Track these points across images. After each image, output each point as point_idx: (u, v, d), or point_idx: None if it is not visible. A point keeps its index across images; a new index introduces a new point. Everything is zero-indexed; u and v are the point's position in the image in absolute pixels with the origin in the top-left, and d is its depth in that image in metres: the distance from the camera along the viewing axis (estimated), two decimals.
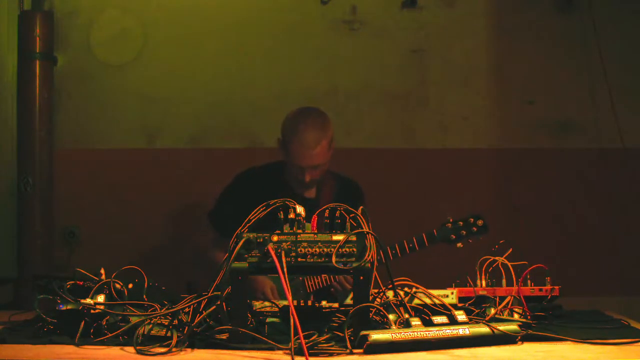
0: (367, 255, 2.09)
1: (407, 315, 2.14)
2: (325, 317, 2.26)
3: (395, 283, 2.29)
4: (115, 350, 2.07)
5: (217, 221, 3.41)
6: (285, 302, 2.33)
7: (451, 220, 3.13)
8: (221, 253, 3.28)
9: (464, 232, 3.12)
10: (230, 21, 4.40)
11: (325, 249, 2.11)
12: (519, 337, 2.14)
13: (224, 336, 2.12)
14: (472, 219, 3.13)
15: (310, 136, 3.24)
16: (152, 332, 2.14)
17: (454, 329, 2.08)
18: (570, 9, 4.38)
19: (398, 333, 2.02)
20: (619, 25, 4.39)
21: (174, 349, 2.04)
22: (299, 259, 2.11)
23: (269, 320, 2.28)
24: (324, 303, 2.32)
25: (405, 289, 2.34)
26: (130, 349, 2.05)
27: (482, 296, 2.51)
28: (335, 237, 2.12)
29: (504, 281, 2.53)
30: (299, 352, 1.91)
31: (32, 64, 4.21)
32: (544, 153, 4.39)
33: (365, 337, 1.99)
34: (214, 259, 3.25)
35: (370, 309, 2.12)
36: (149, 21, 4.39)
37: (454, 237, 3.12)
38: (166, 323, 2.16)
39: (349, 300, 2.19)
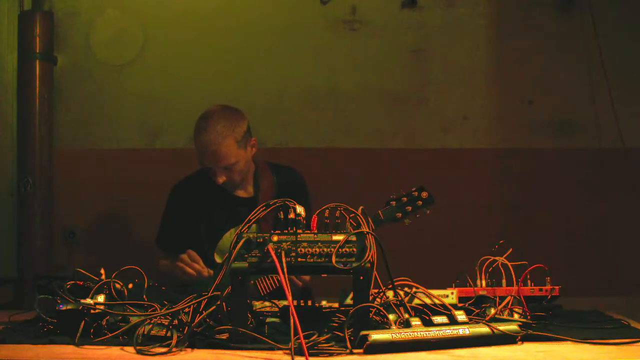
0: (367, 255, 2.09)
1: (407, 315, 2.14)
2: (325, 317, 2.26)
3: (395, 283, 2.29)
4: (115, 350, 2.07)
5: (167, 244, 3.35)
6: (285, 302, 2.33)
7: (395, 197, 2.96)
8: (165, 261, 3.28)
9: (410, 208, 2.94)
10: (230, 21, 4.40)
11: (325, 249, 2.11)
12: (519, 337, 2.14)
13: (224, 336, 2.12)
14: (415, 192, 2.96)
15: (212, 135, 3.10)
16: (152, 332, 2.14)
17: (454, 329, 2.08)
18: (570, 9, 4.38)
19: (398, 333, 2.02)
20: (619, 25, 4.38)
21: (174, 349, 2.04)
22: (299, 259, 2.11)
23: (269, 320, 2.28)
24: (324, 303, 2.33)
25: (405, 289, 2.34)
26: (130, 349, 2.05)
27: (482, 296, 2.52)
28: (335, 237, 2.12)
29: (504, 281, 2.54)
30: (299, 352, 1.91)
31: (32, 64, 4.21)
32: (544, 153, 4.39)
33: (365, 337, 1.99)
34: (162, 269, 3.24)
35: (370, 309, 2.12)
36: (149, 21, 4.39)
37: (399, 215, 2.94)
38: (166, 323, 2.17)
39: (349, 300, 2.19)
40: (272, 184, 3.32)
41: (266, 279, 3.08)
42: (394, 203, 2.96)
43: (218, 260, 3.21)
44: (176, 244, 3.29)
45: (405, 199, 2.95)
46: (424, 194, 2.95)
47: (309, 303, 2.32)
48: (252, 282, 3.06)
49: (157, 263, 3.35)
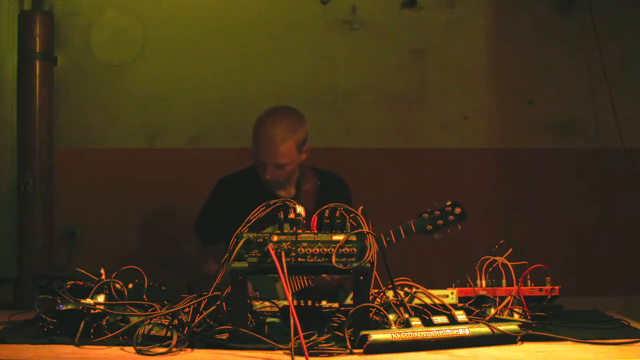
0: (367, 255, 2.09)
1: (407, 315, 2.14)
2: (325, 317, 2.26)
3: (395, 283, 2.29)
4: (115, 350, 2.06)
5: (205, 231, 3.42)
6: (285, 302, 2.33)
7: (428, 210, 3.02)
8: (213, 264, 3.30)
9: (441, 222, 3.00)
10: (230, 21, 4.40)
11: (325, 249, 2.11)
12: (519, 337, 2.14)
13: (224, 336, 2.12)
14: (449, 207, 3.01)
15: (276, 131, 3.19)
16: (152, 332, 2.14)
17: (454, 329, 2.08)
18: (570, 8, 4.38)
19: (398, 333, 2.02)
20: (619, 25, 4.39)
21: (174, 349, 2.04)
22: (299, 259, 2.11)
23: (269, 320, 2.28)
24: (324, 303, 2.33)
25: (405, 289, 2.34)
26: (130, 349, 2.05)
27: (482, 296, 2.51)
28: (335, 237, 2.12)
29: (504, 281, 2.54)
30: (299, 352, 1.91)
31: (32, 64, 4.21)
32: (544, 153, 4.39)
33: (365, 337, 1.99)
34: (210, 272, 3.24)
35: (370, 309, 2.12)
36: (149, 21, 4.39)
37: (430, 227, 3.00)
38: (166, 323, 2.16)
39: (349, 300, 2.19)
40: (315, 188, 3.39)
41: (295, 279, 3.11)
42: (426, 215, 3.01)
43: None
44: (213, 233, 3.34)
45: (438, 212, 3.01)
46: (457, 210, 3.01)
47: (309, 303, 2.32)
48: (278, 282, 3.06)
49: (201, 264, 3.36)
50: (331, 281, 3.16)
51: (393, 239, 3.04)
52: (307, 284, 3.12)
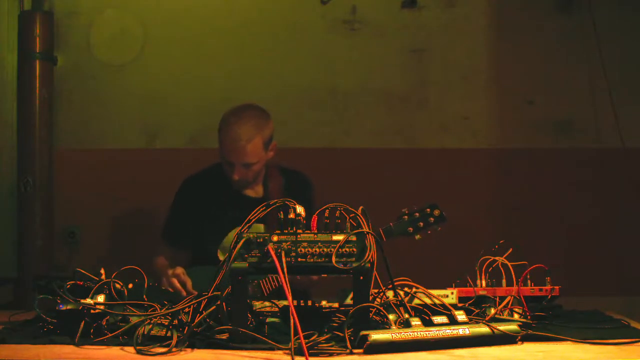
0: (367, 255, 2.09)
1: (407, 315, 2.14)
2: (325, 317, 2.26)
3: (395, 283, 2.29)
4: (115, 350, 2.07)
5: (172, 237, 3.37)
6: (285, 302, 2.33)
7: (407, 212, 2.99)
8: (163, 259, 3.29)
9: (422, 224, 2.97)
10: (230, 21, 4.40)
11: (325, 249, 2.11)
12: (519, 337, 2.14)
13: (224, 336, 2.12)
14: (428, 209, 2.99)
15: (242, 131, 3.15)
16: (152, 332, 2.14)
17: (454, 329, 2.08)
18: (570, 9, 4.38)
19: (398, 333, 2.02)
20: (619, 25, 4.38)
21: (174, 349, 2.04)
22: (299, 259, 2.11)
23: (269, 320, 2.28)
24: (324, 303, 2.33)
25: (405, 289, 2.34)
26: (130, 349, 2.05)
27: (482, 296, 2.51)
28: (335, 237, 2.12)
29: (504, 281, 2.54)
30: (299, 352, 1.91)
31: (32, 64, 4.21)
32: (544, 153, 4.39)
33: (365, 337, 1.99)
34: (159, 267, 3.22)
35: (370, 309, 2.12)
36: (149, 21, 4.39)
37: (411, 229, 2.96)
38: (166, 323, 2.17)
39: (349, 300, 2.19)
40: (281, 187, 3.35)
41: (270, 279, 3.09)
42: (406, 217, 2.99)
43: (221, 257, 3.23)
44: (181, 237, 3.32)
45: (417, 214, 2.98)
46: (436, 212, 2.98)
47: (309, 303, 2.32)
48: (255, 281, 3.06)
49: (152, 258, 3.36)
50: (304, 280, 3.14)
51: None
52: (277, 285, 3.09)
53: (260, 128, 3.20)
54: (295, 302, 2.20)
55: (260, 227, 2.50)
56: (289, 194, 3.22)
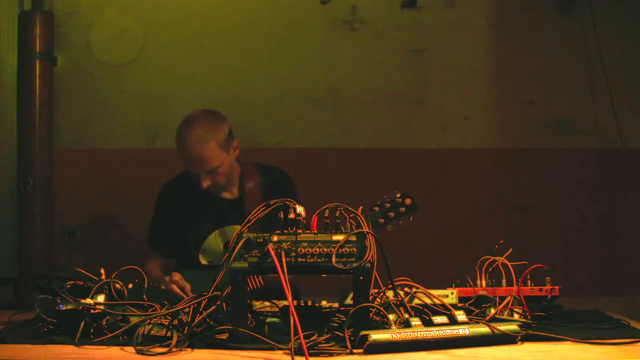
0: (367, 255, 2.09)
1: (407, 315, 2.14)
2: (325, 317, 2.26)
3: (395, 283, 2.29)
4: (115, 350, 2.07)
5: (156, 244, 3.37)
6: (285, 302, 2.33)
7: (378, 202, 2.92)
8: (151, 265, 3.28)
9: (392, 214, 2.88)
10: (230, 21, 4.40)
11: (325, 249, 2.11)
12: (519, 337, 2.14)
13: (224, 336, 2.12)
14: (399, 198, 2.91)
15: (193, 139, 3.11)
16: (152, 332, 2.14)
17: (454, 329, 2.08)
18: (570, 8, 4.38)
19: (398, 333, 2.02)
20: (619, 25, 4.38)
21: (174, 349, 2.04)
22: (299, 259, 2.11)
23: (269, 320, 2.28)
24: (324, 303, 2.33)
25: (405, 289, 2.34)
26: (130, 349, 2.05)
27: (482, 296, 2.52)
28: (335, 237, 2.12)
29: (504, 281, 2.54)
30: (299, 352, 1.91)
31: (32, 64, 4.21)
32: (544, 153, 4.39)
33: (365, 337, 1.99)
34: (153, 276, 3.20)
35: (370, 309, 2.12)
36: (149, 21, 4.39)
37: (382, 221, 2.88)
38: (166, 323, 2.17)
39: (349, 300, 2.19)
40: (259, 185, 3.32)
41: (254, 278, 3.07)
42: (377, 209, 2.91)
43: (203, 261, 3.23)
44: (166, 245, 3.32)
45: (388, 204, 2.90)
46: (408, 201, 2.90)
47: (309, 303, 2.32)
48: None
49: (144, 266, 3.32)
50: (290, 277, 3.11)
51: None
52: (259, 285, 3.08)
53: (212, 132, 3.15)
54: (295, 302, 2.20)
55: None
56: (268, 192, 3.23)
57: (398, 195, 2.92)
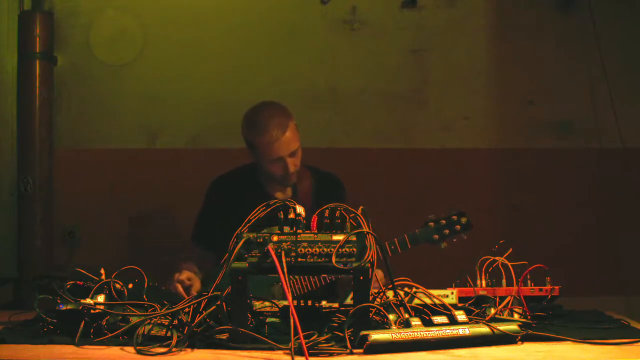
0: (367, 255, 2.09)
1: (407, 315, 2.14)
2: (325, 317, 2.26)
3: (395, 283, 2.29)
4: (115, 350, 2.07)
5: (204, 239, 3.29)
6: (285, 302, 2.33)
7: (433, 218, 2.97)
8: (187, 264, 3.21)
9: (447, 232, 2.94)
10: (230, 21, 4.40)
11: (325, 249, 2.11)
12: (519, 337, 2.14)
13: (224, 336, 2.12)
14: (455, 217, 2.95)
15: (274, 123, 3.12)
16: (152, 332, 2.14)
17: (454, 329, 2.08)
18: (570, 9, 4.38)
19: (398, 333, 2.02)
20: (619, 25, 4.39)
21: (174, 349, 2.04)
22: (299, 259, 2.11)
23: (269, 320, 2.28)
24: (324, 303, 2.32)
25: (405, 289, 2.34)
26: (130, 349, 2.05)
27: (482, 296, 2.51)
28: (335, 237, 2.12)
29: (504, 281, 2.54)
30: (299, 352, 1.91)
31: (32, 64, 4.21)
32: (544, 153, 4.39)
33: (365, 337, 1.99)
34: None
35: (370, 309, 2.12)
36: (149, 21, 4.39)
37: (436, 237, 2.94)
38: (166, 323, 2.17)
39: (349, 300, 2.19)
40: (311, 188, 3.31)
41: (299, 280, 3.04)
42: (432, 224, 2.96)
43: None
44: (212, 239, 3.21)
45: (444, 221, 2.95)
46: (463, 219, 2.95)
47: (309, 303, 2.32)
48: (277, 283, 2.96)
49: (177, 264, 3.19)
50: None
51: (398, 248, 2.97)
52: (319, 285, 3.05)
53: (286, 115, 3.18)
54: (295, 302, 2.20)
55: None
56: (320, 194, 3.22)
57: (454, 213, 2.96)
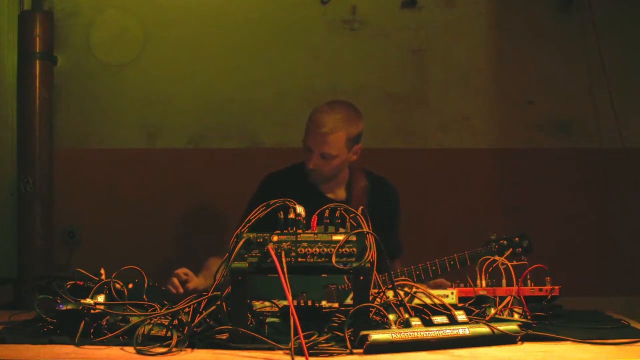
0: (367, 255, 2.09)
1: (407, 315, 2.14)
2: (325, 317, 2.26)
3: (395, 283, 2.29)
4: (115, 350, 2.07)
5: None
6: (285, 302, 2.33)
7: (494, 238, 3.02)
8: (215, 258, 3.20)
9: (508, 253, 2.95)
10: (230, 21, 4.40)
11: (325, 249, 2.11)
12: (519, 337, 2.14)
13: (224, 336, 2.12)
14: (517, 239, 3.01)
15: (328, 119, 3.11)
16: (152, 332, 2.14)
17: (454, 329, 2.08)
18: (570, 9, 4.38)
19: (398, 333, 2.02)
20: (619, 25, 4.38)
21: (174, 349, 2.04)
22: (299, 259, 2.11)
23: (269, 320, 2.28)
24: (324, 303, 2.33)
25: (405, 289, 2.34)
26: (130, 349, 2.05)
27: (482, 296, 2.52)
28: (335, 237, 2.12)
29: (504, 281, 2.54)
30: (299, 352, 1.91)
31: (32, 64, 4.21)
32: (544, 153, 4.39)
33: (365, 337, 1.99)
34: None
35: (370, 309, 2.12)
36: (149, 21, 4.39)
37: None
38: (166, 323, 2.17)
39: (349, 300, 2.19)
40: (365, 191, 3.31)
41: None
42: (494, 245, 3.00)
43: None
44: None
45: (505, 242, 2.99)
46: (525, 243, 2.99)
47: (309, 303, 2.32)
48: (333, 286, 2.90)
49: (207, 257, 3.20)
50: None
51: (457, 264, 3.04)
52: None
53: (348, 123, 3.15)
54: (295, 302, 2.20)
55: None
56: (372, 200, 3.20)
57: (517, 235, 3.01)
